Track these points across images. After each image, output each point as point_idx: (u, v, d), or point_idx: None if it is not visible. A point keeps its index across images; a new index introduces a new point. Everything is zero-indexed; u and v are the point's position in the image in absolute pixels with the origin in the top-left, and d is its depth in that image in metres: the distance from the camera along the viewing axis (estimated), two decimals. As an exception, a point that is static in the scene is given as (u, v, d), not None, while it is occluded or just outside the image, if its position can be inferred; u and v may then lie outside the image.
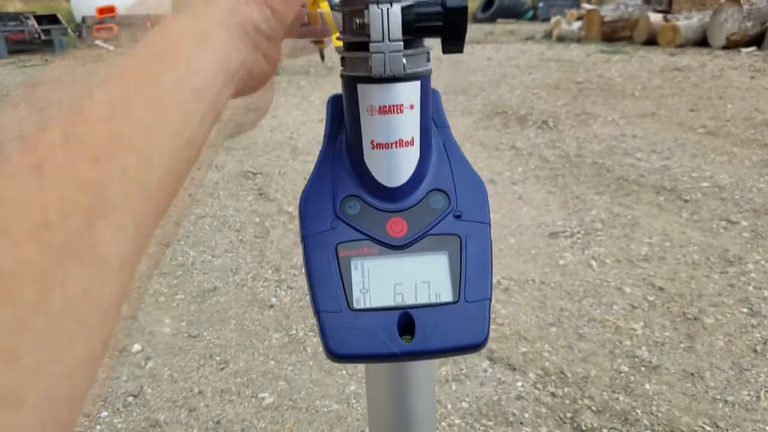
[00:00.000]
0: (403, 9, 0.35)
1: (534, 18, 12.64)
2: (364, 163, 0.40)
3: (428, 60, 0.39)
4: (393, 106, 0.37)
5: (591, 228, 2.32)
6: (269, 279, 2.07)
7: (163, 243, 2.37)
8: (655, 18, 7.26)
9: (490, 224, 0.40)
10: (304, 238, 0.39)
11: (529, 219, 2.43)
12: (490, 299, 0.38)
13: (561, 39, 8.45)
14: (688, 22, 6.86)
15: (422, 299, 0.37)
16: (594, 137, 3.52)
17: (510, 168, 3.06)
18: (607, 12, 7.89)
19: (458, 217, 0.40)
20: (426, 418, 0.47)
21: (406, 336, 0.37)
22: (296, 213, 2.62)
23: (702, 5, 7.60)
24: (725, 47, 6.35)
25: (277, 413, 1.43)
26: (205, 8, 0.28)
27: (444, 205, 0.40)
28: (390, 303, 0.37)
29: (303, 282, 2.04)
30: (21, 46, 9.75)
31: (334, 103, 0.44)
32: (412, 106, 0.38)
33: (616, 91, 4.70)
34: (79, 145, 0.20)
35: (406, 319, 0.37)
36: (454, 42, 0.36)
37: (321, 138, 0.44)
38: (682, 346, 1.59)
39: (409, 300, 0.37)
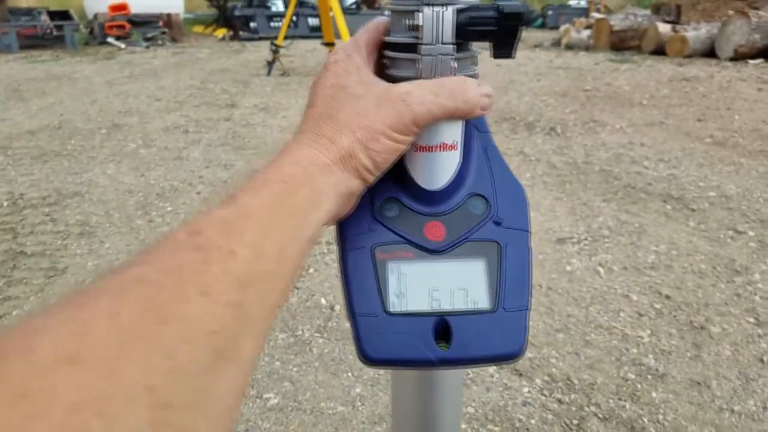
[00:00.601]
0: (457, 12, 0.34)
1: (543, 26, 12.66)
2: (405, 165, 0.39)
3: (475, 64, 0.38)
4: None
5: (598, 235, 2.32)
6: (276, 279, 2.07)
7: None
8: (664, 28, 7.26)
9: (530, 232, 0.39)
10: (341, 240, 0.39)
11: (536, 225, 2.43)
12: (529, 309, 0.37)
13: (570, 47, 8.46)
14: (696, 33, 6.86)
15: (459, 306, 0.37)
16: (602, 145, 3.52)
17: (518, 174, 3.05)
18: (617, 21, 7.89)
19: (498, 223, 0.39)
20: (451, 427, 0.47)
21: (442, 343, 0.36)
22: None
23: (710, 17, 7.61)
24: (733, 59, 6.35)
25: (282, 414, 1.44)
26: (328, 145, 0.33)
27: (483, 211, 0.39)
28: (426, 308, 0.37)
29: (309, 282, 2.05)
30: (33, 41, 9.81)
31: None
32: None
33: (624, 99, 4.70)
34: (232, 276, 0.25)
35: (442, 326, 0.36)
36: (506, 47, 0.35)
37: None
38: (688, 354, 1.58)
39: (446, 306, 0.37)
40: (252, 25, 11.49)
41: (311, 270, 2.12)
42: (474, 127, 0.42)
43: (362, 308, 0.37)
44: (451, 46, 0.35)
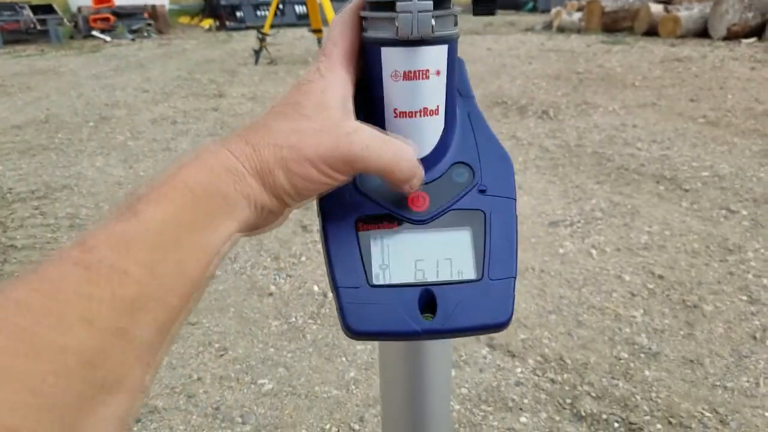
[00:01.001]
0: None
1: (534, 9, 12.59)
2: (386, 133, 0.37)
3: (455, 24, 0.36)
4: (419, 71, 0.35)
5: (591, 217, 2.31)
6: (268, 267, 2.06)
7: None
8: (656, 8, 7.23)
9: (515, 199, 0.38)
10: (322, 213, 0.38)
11: (529, 208, 2.42)
12: (515, 277, 0.36)
13: (561, 30, 8.42)
14: (688, 12, 6.84)
15: (444, 276, 0.36)
16: (594, 127, 3.51)
17: (511, 158, 3.05)
18: (608, 3, 7.85)
19: (483, 191, 0.38)
20: (441, 401, 0.46)
21: (428, 314, 0.35)
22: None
23: (703, -4, 7.57)
24: (726, 38, 6.34)
25: (277, 399, 1.43)
26: (249, 154, 0.31)
27: (468, 179, 0.38)
28: (411, 280, 0.36)
29: (302, 270, 2.04)
30: (16, 36, 9.69)
31: None
32: (438, 72, 0.36)
33: (617, 81, 4.68)
34: (122, 301, 0.24)
35: (427, 297, 0.36)
36: (487, 3, 0.34)
37: None
38: (681, 333, 1.59)
39: (431, 277, 0.36)
40: (238, 14, 11.39)
41: (303, 258, 2.11)
42: (457, 91, 0.40)
43: (345, 281, 0.36)
44: (430, 2, 0.33)
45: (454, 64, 0.37)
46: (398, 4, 0.33)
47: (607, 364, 1.48)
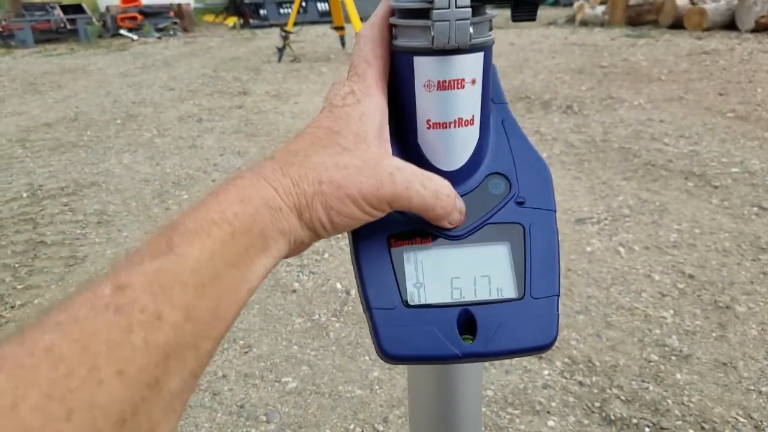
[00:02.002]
0: None
1: (556, 3, 12.43)
2: (418, 144, 0.36)
3: (491, 28, 0.35)
4: (454, 80, 0.33)
5: (618, 214, 2.27)
6: (291, 264, 2.07)
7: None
8: (681, 1, 7.07)
9: (555, 211, 0.36)
10: (353, 231, 0.36)
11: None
12: (558, 295, 0.34)
13: (584, 23, 8.30)
14: (715, 5, 6.68)
15: (483, 295, 0.34)
16: (620, 122, 3.45)
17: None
18: (633, -5, 7.71)
19: (520, 203, 0.36)
20: (473, 421, 0.45)
21: (467, 336, 0.33)
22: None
23: (731, -13, 7.39)
24: (754, 30, 6.18)
25: (301, 398, 1.43)
26: (289, 188, 0.30)
27: (504, 191, 0.36)
28: (447, 299, 0.34)
29: (325, 267, 2.04)
30: (47, 36, 9.89)
31: None
32: (473, 81, 0.34)
33: (642, 75, 4.60)
34: (155, 347, 0.22)
35: (466, 317, 0.34)
36: (527, 9, 0.32)
37: None
38: (713, 335, 1.55)
39: (469, 296, 0.34)
40: (262, 12, 11.44)
41: (326, 255, 2.11)
42: (491, 100, 0.38)
43: (379, 301, 0.34)
44: (468, 9, 0.31)
45: (489, 71, 0.36)
46: (434, 11, 0.31)
47: (637, 366, 1.45)
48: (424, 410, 0.44)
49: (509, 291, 0.34)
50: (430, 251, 0.35)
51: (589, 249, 2.02)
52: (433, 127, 0.35)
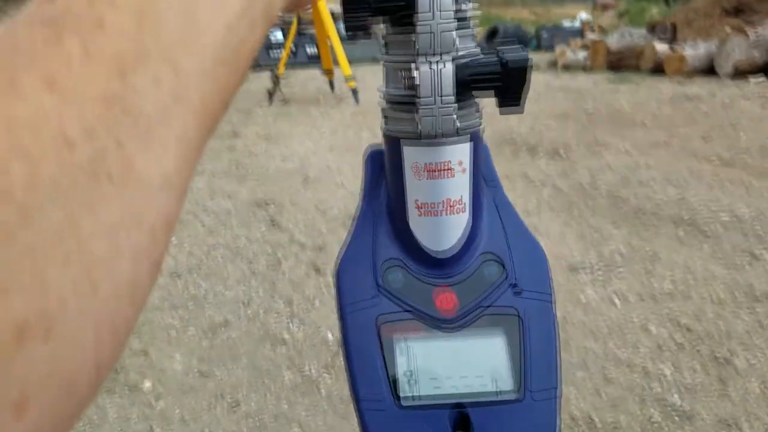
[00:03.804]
0: (457, 67, 0.31)
1: (538, 47, 12.76)
2: (409, 227, 0.36)
3: (478, 110, 0.35)
4: (442, 165, 0.34)
5: (611, 262, 2.26)
6: (281, 312, 2.02)
7: (176, 274, 2.33)
8: (661, 47, 7.29)
9: (553, 299, 0.35)
10: (342, 311, 0.35)
11: (546, 251, 2.37)
12: (559, 390, 0.33)
13: (566, 68, 8.50)
14: (694, 51, 6.89)
15: (478, 390, 0.33)
16: (607, 167, 3.48)
17: (523, 198, 3.02)
18: (613, 41, 7.94)
19: (515, 289, 0.35)
20: None
21: None
22: (308, 243, 2.60)
23: (706, 34, 7.64)
24: (733, 76, 6.36)
25: (292, 460, 1.37)
26: None
27: (498, 276, 0.35)
28: (441, 395, 0.33)
29: (315, 316, 1.99)
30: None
31: (374, 157, 0.40)
32: (461, 163, 0.34)
33: (627, 120, 4.68)
34: (100, 57, 0.17)
35: (460, 415, 0.32)
36: (512, 100, 0.32)
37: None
38: (715, 391, 1.52)
39: (464, 391, 0.33)
40: (252, 53, 11.57)
41: (317, 302, 2.07)
42: (483, 180, 0.38)
43: (369, 396, 0.33)
44: (452, 98, 0.31)
45: (479, 155, 0.36)
46: (419, 100, 0.31)
47: (639, 425, 1.41)
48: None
49: (506, 386, 0.33)
50: (423, 342, 0.34)
51: (583, 299, 2.00)
52: (423, 212, 0.35)
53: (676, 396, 1.51)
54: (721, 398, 1.49)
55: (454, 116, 0.32)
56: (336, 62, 5.68)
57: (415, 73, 0.31)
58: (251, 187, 3.44)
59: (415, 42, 0.31)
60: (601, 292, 2.04)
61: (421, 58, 0.31)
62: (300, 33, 9.58)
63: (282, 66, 6.43)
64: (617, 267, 2.22)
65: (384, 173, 0.38)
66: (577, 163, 3.60)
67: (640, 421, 1.43)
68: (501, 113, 0.33)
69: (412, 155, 0.34)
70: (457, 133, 0.33)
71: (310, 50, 10.99)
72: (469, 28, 0.33)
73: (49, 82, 0.16)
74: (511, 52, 0.31)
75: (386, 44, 0.34)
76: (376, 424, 0.32)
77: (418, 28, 0.31)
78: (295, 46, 10.01)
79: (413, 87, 0.31)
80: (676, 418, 1.43)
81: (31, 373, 0.14)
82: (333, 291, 0.36)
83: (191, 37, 0.20)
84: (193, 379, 1.68)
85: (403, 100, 0.33)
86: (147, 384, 1.65)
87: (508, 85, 0.31)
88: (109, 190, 0.16)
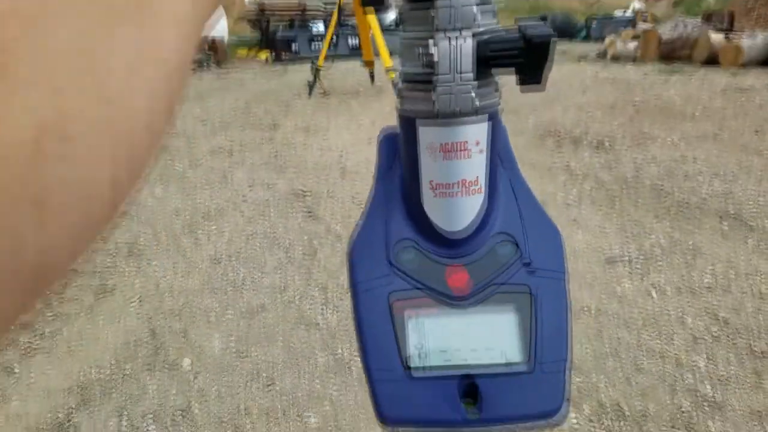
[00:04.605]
0: (478, 43, 0.30)
1: (587, 38, 12.46)
2: (422, 207, 0.35)
3: (497, 89, 0.34)
4: (458, 145, 0.33)
5: (650, 254, 2.22)
6: (316, 298, 2.07)
7: (215, 260, 2.41)
8: (716, 37, 7.02)
9: (566, 276, 0.35)
10: (354, 288, 0.35)
11: (584, 244, 2.35)
12: (568, 361, 0.33)
13: (616, 59, 8.28)
14: (752, 41, 6.60)
15: (487, 362, 0.33)
16: (652, 159, 3.40)
17: (564, 190, 2.99)
18: (665, 31, 7.68)
19: (529, 267, 0.35)
20: None
21: (470, 402, 0.33)
22: (344, 234, 2.63)
23: (766, 23, 7.31)
24: (793, 67, 6.08)
25: (322, 436, 1.42)
26: None
27: (512, 254, 0.35)
28: (451, 366, 0.33)
29: (349, 303, 2.02)
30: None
31: (387, 139, 0.39)
32: (478, 143, 0.33)
33: (676, 112, 4.55)
34: None
35: (469, 383, 0.33)
36: (533, 76, 0.31)
37: (370, 159, 0.40)
38: (749, 383, 1.49)
39: (473, 361, 0.33)
40: (293, 46, 11.71)
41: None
42: (500, 160, 0.38)
43: (380, 366, 0.33)
44: (471, 75, 0.30)
45: (497, 135, 0.35)
46: (436, 78, 0.30)
47: (668, 414, 1.40)
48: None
49: (515, 357, 0.33)
50: (434, 317, 0.34)
51: (619, 290, 1.98)
52: (438, 191, 0.34)
53: (708, 387, 1.48)
54: (754, 390, 1.46)
55: (473, 94, 0.31)
56: (377, 54, 5.70)
57: (433, 49, 0.30)
58: (289, 178, 3.52)
59: (433, 17, 0.30)
60: (638, 285, 2.01)
61: (440, 34, 0.30)
62: (341, 24, 9.60)
63: (322, 58, 6.50)
64: (656, 260, 2.18)
65: (398, 156, 0.38)
66: (622, 156, 3.52)
67: (670, 410, 1.41)
68: (522, 91, 0.32)
69: (427, 135, 0.33)
70: (476, 112, 0.32)
71: (352, 41, 11.04)
72: (490, 3, 0.32)
73: None
74: (535, 28, 0.30)
75: (403, 20, 0.33)
76: (385, 389, 0.33)
77: (437, 2, 0.30)
78: (336, 37, 10.07)
79: (431, 64, 0.30)
80: (707, 408, 1.41)
81: (49, 172, 0.15)
82: (346, 270, 0.37)
83: None
84: (230, 358, 1.75)
85: (420, 79, 0.32)
86: (186, 362, 1.73)
87: (531, 62, 0.30)
88: (124, 16, 0.17)
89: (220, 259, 2.41)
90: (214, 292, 2.15)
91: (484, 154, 0.34)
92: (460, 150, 0.33)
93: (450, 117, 0.32)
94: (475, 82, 0.30)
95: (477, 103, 0.31)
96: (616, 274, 2.09)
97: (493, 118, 0.34)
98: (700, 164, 3.25)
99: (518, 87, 0.31)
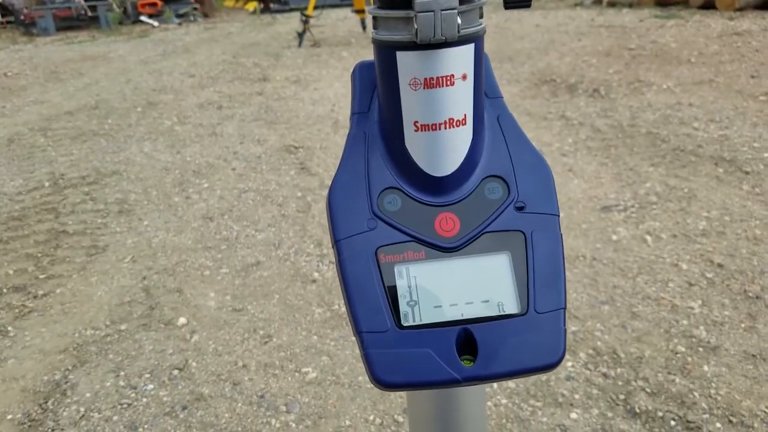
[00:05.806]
0: None
1: (582, -17, 12.13)
2: (405, 148, 0.33)
3: (481, 15, 0.31)
4: (442, 77, 0.30)
5: (645, 201, 2.21)
6: (311, 254, 2.06)
7: (208, 217, 2.39)
8: (714, -21, 6.83)
9: (559, 215, 0.33)
10: (337, 244, 0.33)
11: (579, 192, 2.34)
12: (565, 308, 0.31)
13: (612, 4, 8.09)
14: (749, -18, 6.44)
15: (483, 312, 0.31)
16: (648, 106, 3.35)
17: (559, 139, 2.95)
18: (662, -26, 7.48)
19: (520, 208, 0.33)
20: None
21: (467, 356, 0.31)
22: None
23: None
24: (791, 8, 5.95)
25: (320, 388, 1.43)
26: None
27: (502, 195, 0.33)
28: (444, 318, 0.31)
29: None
30: (68, 23, 10.01)
31: (363, 72, 0.36)
32: (464, 76, 0.31)
33: (671, 57, 4.47)
34: None
35: (465, 337, 0.31)
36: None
37: None
38: (742, 326, 1.50)
39: (468, 313, 0.31)
40: (283, -4, 11.40)
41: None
42: (485, 93, 0.35)
43: (369, 324, 0.31)
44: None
45: (481, 64, 0.32)
46: (417, 1, 0.27)
47: (663, 358, 1.41)
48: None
49: (511, 306, 0.31)
50: (423, 265, 0.32)
51: (614, 237, 1.97)
52: (421, 129, 0.32)
53: (702, 330, 1.49)
54: (748, 332, 1.47)
55: (457, 16, 0.28)
56: (368, 1, 5.54)
57: None
58: (280, 132, 3.46)
59: None
60: (633, 231, 2.00)
61: None
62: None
63: (311, 7, 6.32)
64: (652, 206, 2.17)
65: (376, 91, 0.35)
66: (617, 102, 3.48)
67: (665, 354, 1.42)
68: (506, 8, 0.30)
69: (408, 67, 0.30)
70: (460, 37, 0.29)
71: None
72: None
73: None
74: None
75: None
76: (376, 347, 0.31)
77: None
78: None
79: None
80: (701, 350, 1.42)
81: None
82: (326, 221, 0.34)
83: None
84: (226, 314, 1.74)
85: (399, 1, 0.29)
86: (182, 320, 1.72)
87: None
88: None
89: (212, 217, 2.39)
90: (208, 249, 2.14)
91: (470, 84, 0.31)
92: (446, 84, 0.30)
93: (433, 44, 0.29)
94: (462, 6, 0.28)
95: (461, 23, 0.29)
96: (612, 222, 2.08)
97: (478, 45, 0.31)
98: (696, 110, 3.21)
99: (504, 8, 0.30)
